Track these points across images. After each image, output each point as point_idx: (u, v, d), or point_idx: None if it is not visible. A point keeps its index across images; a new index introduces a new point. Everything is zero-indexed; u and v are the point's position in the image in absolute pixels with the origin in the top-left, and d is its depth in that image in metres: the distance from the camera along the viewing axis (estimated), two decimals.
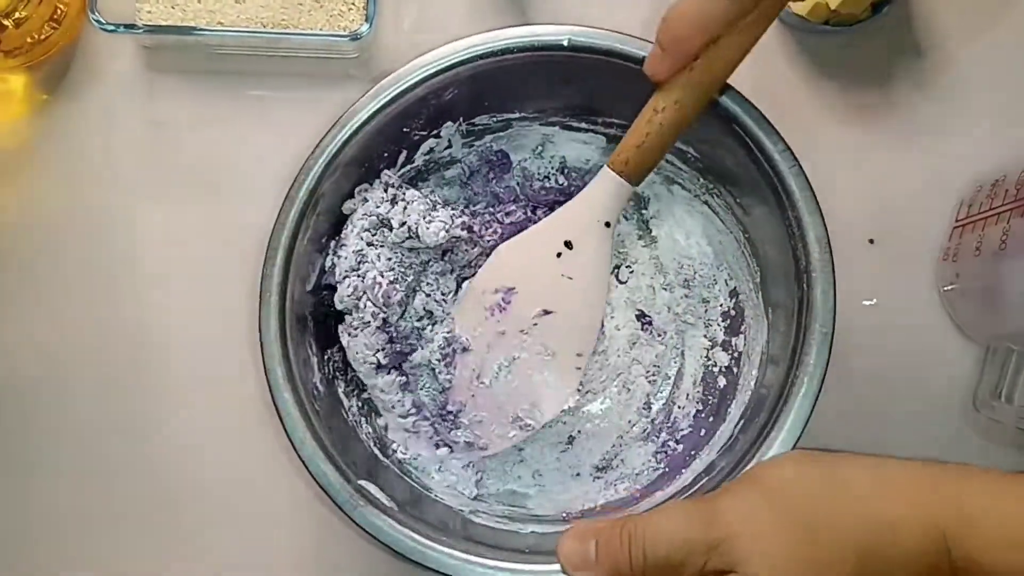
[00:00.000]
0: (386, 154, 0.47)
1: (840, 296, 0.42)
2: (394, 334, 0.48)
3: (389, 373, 0.48)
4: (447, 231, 0.46)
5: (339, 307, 0.47)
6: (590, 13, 0.51)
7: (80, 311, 0.52)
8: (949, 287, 0.51)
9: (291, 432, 0.42)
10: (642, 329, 0.51)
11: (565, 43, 0.44)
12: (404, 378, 0.49)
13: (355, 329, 0.47)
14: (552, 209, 0.48)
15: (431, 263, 0.49)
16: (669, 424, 0.50)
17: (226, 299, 0.51)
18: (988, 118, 0.53)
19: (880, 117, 0.54)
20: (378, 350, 0.47)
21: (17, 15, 0.49)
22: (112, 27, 0.49)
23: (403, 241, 0.47)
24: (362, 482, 0.42)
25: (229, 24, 0.51)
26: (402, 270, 0.47)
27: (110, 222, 0.53)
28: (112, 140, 0.53)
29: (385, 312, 0.47)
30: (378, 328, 0.47)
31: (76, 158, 0.53)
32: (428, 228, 0.46)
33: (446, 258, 0.49)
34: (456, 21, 0.53)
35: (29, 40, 0.51)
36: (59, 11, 0.51)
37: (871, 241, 0.53)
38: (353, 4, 0.51)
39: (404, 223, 0.46)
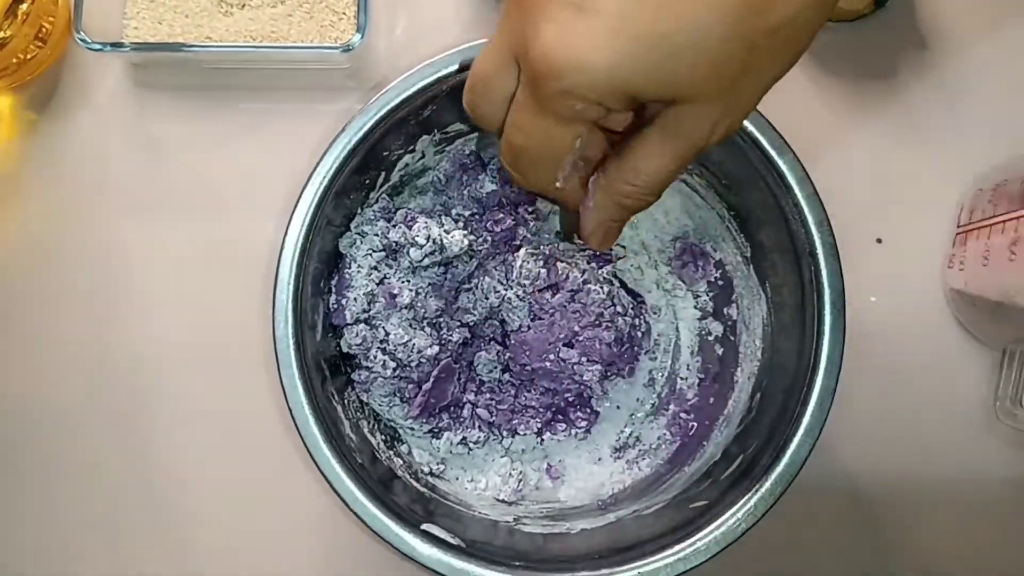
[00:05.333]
0: (367, 180, 0.46)
1: (848, 297, 0.42)
2: (411, 373, 0.48)
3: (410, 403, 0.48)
4: (464, 237, 0.46)
5: (346, 350, 0.47)
6: None
7: (76, 336, 0.52)
8: (958, 295, 0.50)
9: (351, 504, 0.41)
10: (636, 307, 0.51)
11: None
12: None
13: (367, 383, 0.47)
14: (534, 203, 0.49)
15: (435, 284, 0.48)
16: (675, 396, 0.51)
17: (230, 320, 0.51)
18: (996, 111, 0.53)
19: (885, 113, 0.53)
20: (396, 391, 0.47)
21: (1, 35, 0.48)
22: (98, 46, 0.48)
23: (423, 259, 0.46)
24: (424, 526, 0.42)
25: (217, 39, 0.50)
26: (425, 289, 0.47)
27: (104, 243, 0.52)
28: (103, 159, 0.52)
29: (397, 360, 0.47)
30: (393, 373, 0.47)
31: (67, 179, 0.52)
32: (452, 237, 0.45)
33: (447, 274, 0.48)
34: (447, 28, 0.53)
35: (15, 60, 0.50)
36: (44, 30, 0.50)
37: (879, 240, 0.52)
38: (344, 14, 0.50)
39: (429, 237, 0.45)
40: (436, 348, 0.47)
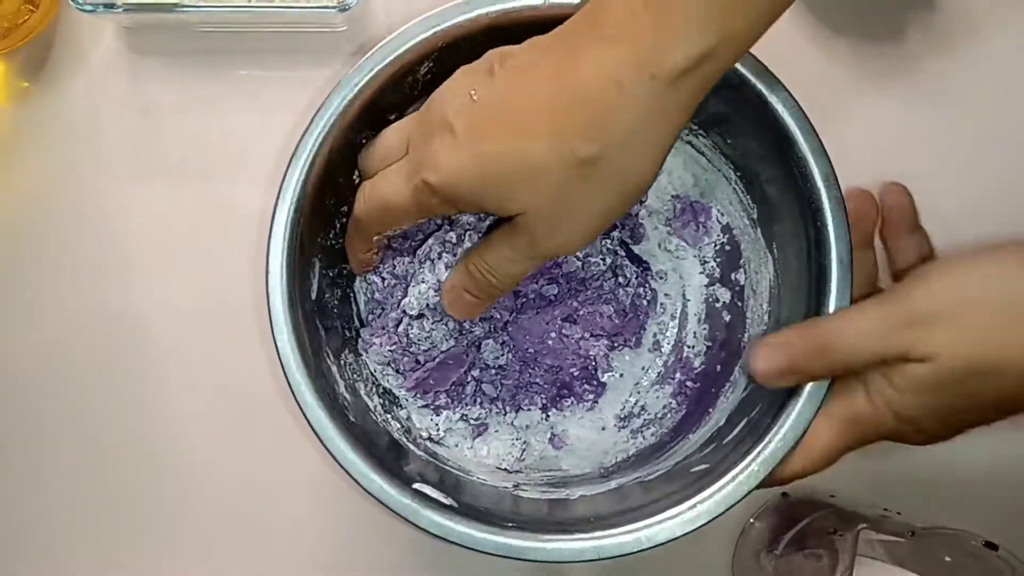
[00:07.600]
0: (363, 140, 0.45)
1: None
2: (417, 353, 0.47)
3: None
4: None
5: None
6: None
7: (70, 302, 0.51)
8: None
9: (342, 462, 0.40)
10: (642, 275, 0.50)
11: (540, 3, 0.42)
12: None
13: (367, 344, 0.47)
14: None
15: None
16: (682, 364, 0.50)
17: (224, 286, 0.51)
18: (1007, 74, 0.52)
19: (893, 76, 0.52)
20: (391, 362, 0.47)
21: None
22: (90, 7, 0.47)
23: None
24: (417, 485, 0.41)
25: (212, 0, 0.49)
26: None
27: (98, 210, 0.52)
28: (97, 126, 0.52)
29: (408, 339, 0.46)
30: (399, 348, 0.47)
31: (60, 146, 0.52)
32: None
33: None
34: None
35: (6, 25, 0.49)
36: None
37: None
38: None
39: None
40: (452, 342, 0.46)
